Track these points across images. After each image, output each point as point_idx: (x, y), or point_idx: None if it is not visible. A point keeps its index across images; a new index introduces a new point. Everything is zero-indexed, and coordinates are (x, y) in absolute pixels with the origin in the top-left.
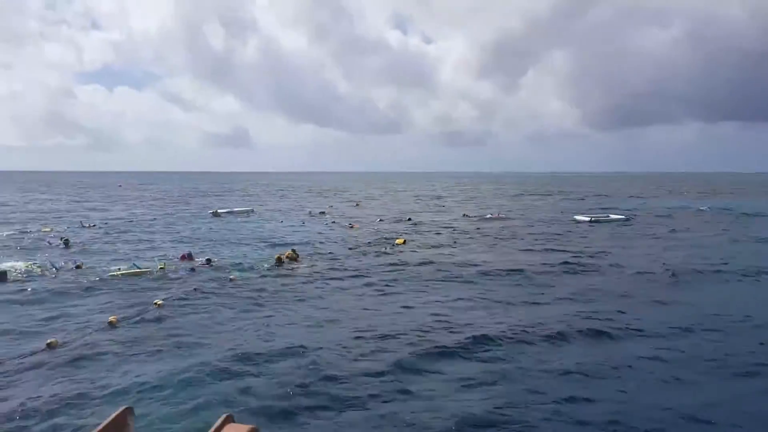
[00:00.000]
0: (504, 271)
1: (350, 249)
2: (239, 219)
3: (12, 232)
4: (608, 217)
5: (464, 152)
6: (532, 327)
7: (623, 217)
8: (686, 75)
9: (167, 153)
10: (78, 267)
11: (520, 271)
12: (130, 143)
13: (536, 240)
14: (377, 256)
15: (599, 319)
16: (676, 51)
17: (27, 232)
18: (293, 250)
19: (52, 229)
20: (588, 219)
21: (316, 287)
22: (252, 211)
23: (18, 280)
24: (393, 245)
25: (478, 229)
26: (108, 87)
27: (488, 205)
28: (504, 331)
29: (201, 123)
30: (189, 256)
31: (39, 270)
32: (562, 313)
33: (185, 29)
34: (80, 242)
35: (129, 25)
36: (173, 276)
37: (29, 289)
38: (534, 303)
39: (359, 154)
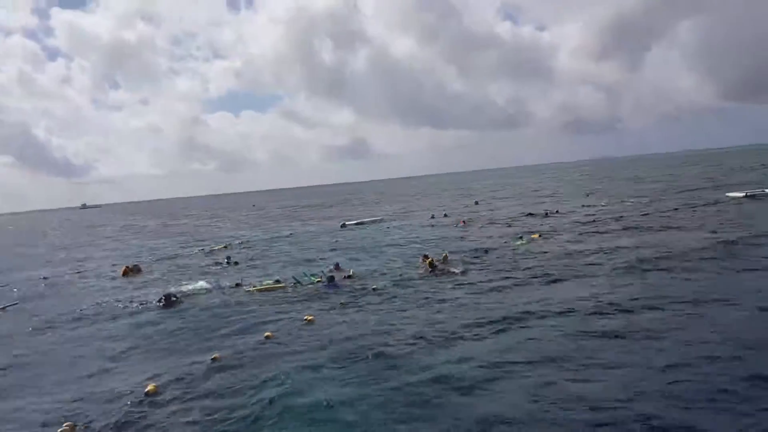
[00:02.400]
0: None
1: (476, 250)
2: (369, 229)
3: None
4: (764, 191)
5: (591, 139)
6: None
7: None
8: None
9: (292, 169)
10: (237, 285)
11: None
12: (257, 163)
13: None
14: (514, 251)
15: None
16: None
17: (204, 252)
18: (425, 255)
19: (226, 246)
20: (743, 194)
21: (473, 291)
22: (382, 220)
23: (190, 300)
24: (528, 240)
25: (620, 217)
26: (234, 112)
27: (625, 193)
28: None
29: (320, 137)
30: (337, 267)
31: (205, 291)
32: None
33: (297, 49)
34: (245, 260)
35: (247, 51)
36: (313, 289)
37: (197, 309)
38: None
39: (480, 152)
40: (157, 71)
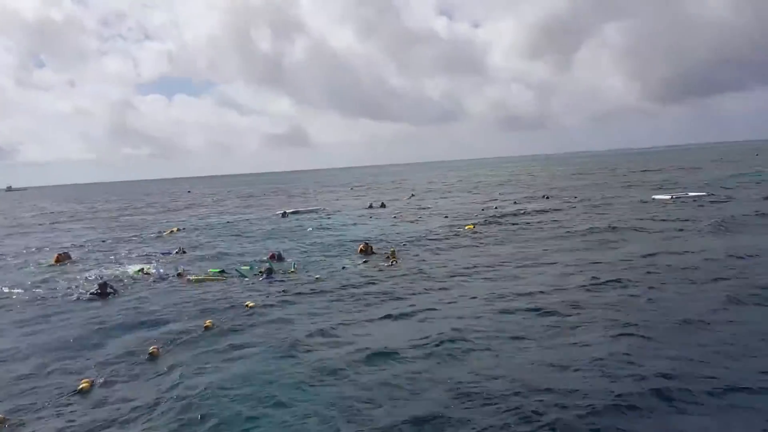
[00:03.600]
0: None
1: (418, 239)
2: (308, 218)
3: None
4: (687, 194)
5: (523, 136)
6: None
7: (703, 193)
8: (750, 39)
9: (229, 156)
10: (179, 275)
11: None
12: (193, 149)
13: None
14: (449, 243)
15: None
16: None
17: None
18: (366, 243)
19: (176, 230)
20: (669, 197)
21: (407, 284)
22: (321, 209)
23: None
24: (463, 230)
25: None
26: (167, 96)
27: (554, 186)
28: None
29: (259, 125)
30: (279, 257)
31: (144, 280)
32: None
33: (234, 36)
34: (191, 248)
35: (181, 35)
36: (255, 280)
37: (136, 297)
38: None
39: (417, 145)
40: (85, 52)
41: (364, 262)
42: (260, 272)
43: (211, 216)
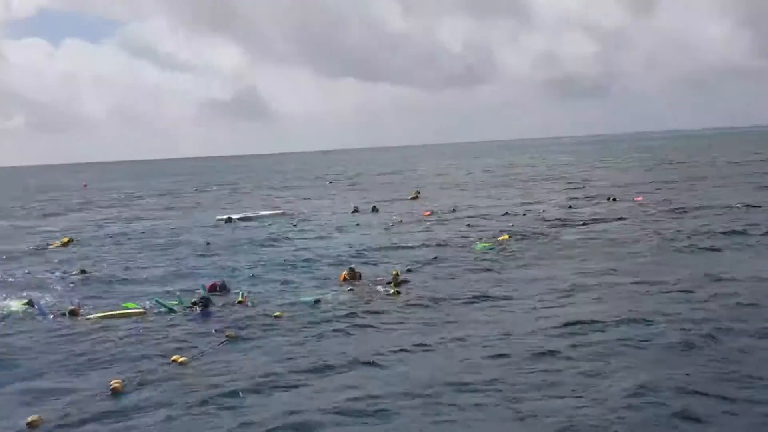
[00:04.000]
0: None
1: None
2: (265, 227)
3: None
4: None
5: (580, 107)
6: None
7: None
8: None
9: (146, 133)
10: (73, 312)
11: None
12: (91, 120)
13: None
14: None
15: None
16: None
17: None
18: (351, 269)
19: (67, 241)
20: None
21: (412, 326)
22: (284, 213)
23: None
24: (494, 244)
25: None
26: (52, 41)
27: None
28: None
29: (192, 86)
30: (222, 288)
31: (23, 314)
32: None
33: None
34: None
35: None
36: (185, 316)
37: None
38: None
39: (426, 118)
40: None
41: (349, 290)
42: (192, 304)
43: (119, 221)
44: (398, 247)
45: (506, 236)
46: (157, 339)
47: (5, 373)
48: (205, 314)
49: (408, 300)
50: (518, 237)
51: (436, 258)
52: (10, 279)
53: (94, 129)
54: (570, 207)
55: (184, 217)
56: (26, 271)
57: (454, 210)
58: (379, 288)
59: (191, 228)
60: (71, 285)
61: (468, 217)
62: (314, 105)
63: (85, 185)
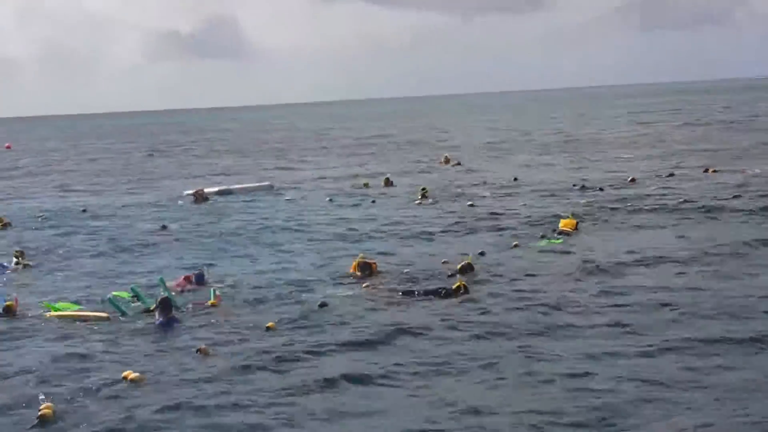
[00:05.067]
0: None
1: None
2: (246, 203)
3: None
4: None
5: (681, 40)
6: None
7: None
8: None
9: (78, 77)
10: (6, 310)
11: None
12: (14, 63)
13: None
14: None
15: None
16: None
17: None
18: (364, 260)
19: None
20: None
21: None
22: (270, 186)
23: None
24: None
25: None
26: None
27: None
28: None
29: (142, 16)
30: (199, 280)
31: None
32: None
33: None
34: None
35: None
36: (141, 321)
37: None
38: None
39: (461, 57)
40: None
41: (365, 287)
42: (153, 307)
43: (54, 195)
44: (423, 235)
45: (572, 222)
46: (108, 350)
47: None
48: (169, 321)
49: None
50: (594, 221)
51: (482, 254)
52: None
53: (15, 75)
54: (664, 176)
55: (137, 190)
56: None
57: (514, 180)
58: (398, 286)
59: (146, 204)
60: (14, 276)
61: (524, 187)
62: (304, 37)
63: (8, 147)
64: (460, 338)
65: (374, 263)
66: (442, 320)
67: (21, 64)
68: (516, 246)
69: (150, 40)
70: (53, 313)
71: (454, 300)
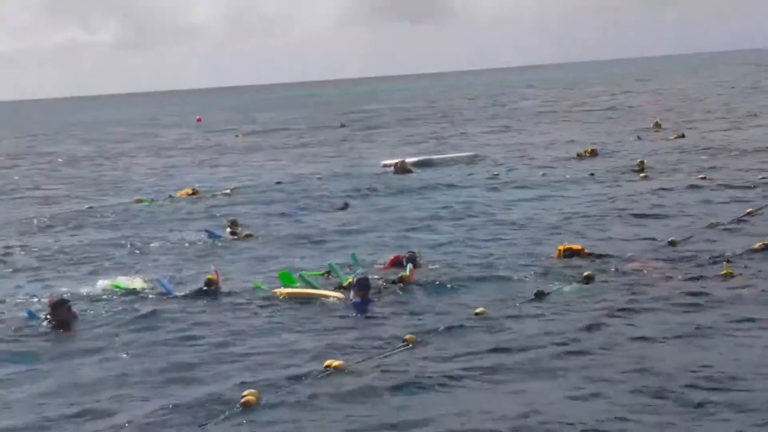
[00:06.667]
0: None
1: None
2: (451, 175)
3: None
4: None
5: None
6: None
7: None
8: None
9: (270, 46)
10: (207, 284)
11: None
12: (196, 31)
13: None
14: None
15: None
16: None
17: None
18: (570, 248)
19: (230, 192)
20: None
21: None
22: (475, 156)
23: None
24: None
25: None
26: None
27: None
28: None
29: None
30: (410, 263)
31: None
32: None
33: None
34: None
35: None
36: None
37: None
38: None
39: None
40: None
41: (585, 278)
42: (346, 284)
43: (262, 170)
44: (641, 214)
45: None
46: (310, 330)
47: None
48: (364, 302)
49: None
50: None
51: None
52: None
53: (199, 44)
54: None
55: (336, 161)
56: (128, 234)
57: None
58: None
59: (346, 175)
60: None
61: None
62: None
63: (199, 119)
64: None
65: (582, 249)
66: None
67: (206, 31)
68: None
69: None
70: (283, 290)
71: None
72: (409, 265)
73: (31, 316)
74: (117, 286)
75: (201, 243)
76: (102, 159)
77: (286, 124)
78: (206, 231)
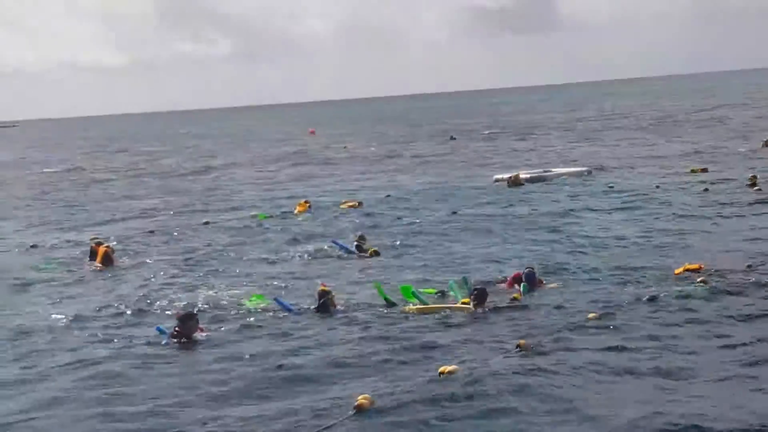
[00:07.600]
0: None
1: None
2: (565, 189)
3: None
4: None
5: None
6: None
7: None
8: None
9: (384, 59)
10: (323, 294)
11: None
12: (318, 38)
13: None
14: None
15: None
16: None
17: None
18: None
19: (359, 203)
20: None
21: None
22: (588, 172)
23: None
24: None
25: None
26: None
27: None
28: None
29: None
30: (529, 279)
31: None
32: None
33: None
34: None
35: None
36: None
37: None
38: None
39: None
40: None
41: (700, 281)
42: (468, 299)
43: (373, 179)
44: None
45: None
46: (423, 340)
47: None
48: (480, 312)
49: None
50: None
51: None
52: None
53: (314, 56)
54: None
55: (442, 174)
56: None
57: None
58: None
59: (455, 190)
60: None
61: None
62: (627, 7)
63: (312, 132)
64: None
65: (700, 267)
66: None
67: (319, 43)
68: None
69: (456, 16)
70: (411, 308)
71: None
72: (524, 285)
73: (161, 332)
74: (240, 304)
75: (324, 257)
76: (215, 171)
77: (398, 136)
78: (334, 242)
